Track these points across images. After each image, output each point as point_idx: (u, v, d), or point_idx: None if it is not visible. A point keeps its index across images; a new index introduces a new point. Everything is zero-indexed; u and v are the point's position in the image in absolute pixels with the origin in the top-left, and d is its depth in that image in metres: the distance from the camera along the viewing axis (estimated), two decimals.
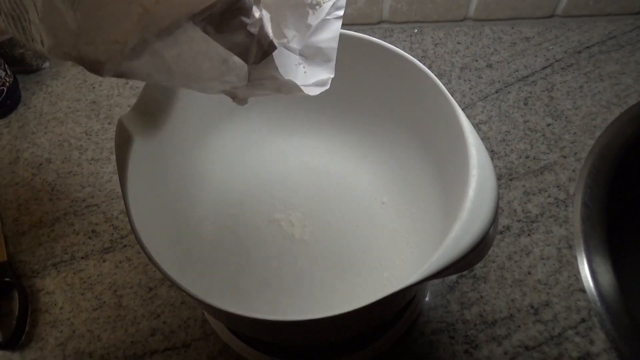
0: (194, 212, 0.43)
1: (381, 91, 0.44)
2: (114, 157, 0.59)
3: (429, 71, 0.37)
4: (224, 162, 0.46)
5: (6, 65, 0.62)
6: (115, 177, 0.57)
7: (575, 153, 0.56)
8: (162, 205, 0.39)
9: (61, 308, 0.48)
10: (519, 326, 0.45)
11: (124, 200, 0.33)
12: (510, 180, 0.54)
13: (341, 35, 0.41)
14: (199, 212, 0.43)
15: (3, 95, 0.61)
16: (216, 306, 0.28)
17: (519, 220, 0.51)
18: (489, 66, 0.65)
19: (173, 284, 0.30)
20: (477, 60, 0.65)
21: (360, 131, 0.48)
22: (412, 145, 0.44)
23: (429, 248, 0.40)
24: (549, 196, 0.53)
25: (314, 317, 0.26)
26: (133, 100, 0.64)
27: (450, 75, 0.64)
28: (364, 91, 0.46)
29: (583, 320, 0.45)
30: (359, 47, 0.42)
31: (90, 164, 0.58)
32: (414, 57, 0.39)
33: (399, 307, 0.39)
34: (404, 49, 0.40)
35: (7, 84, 0.62)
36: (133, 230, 0.32)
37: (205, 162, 0.45)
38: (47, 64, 0.69)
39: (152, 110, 0.39)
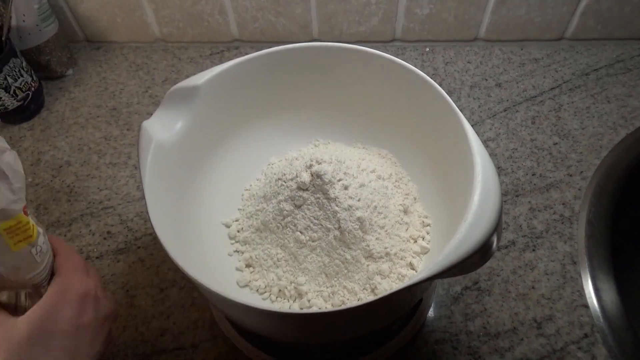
0: (208, 215, 0.44)
1: (391, 104, 0.46)
2: (131, 161, 0.61)
3: (435, 84, 0.39)
4: (239, 168, 0.48)
5: (32, 71, 0.65)
6: (132, 181, 0.59)
7: (581, 172, 0.57)
8: (179, 206, 0.40)
9: None
10: (522, 339, 0.46)
11: (146, 199, 0.35)
12: (517, 196, 0.55)
13: (355, 51, 0.44)
14: (214, 215, 0.45)
15: (28, 99, 0.64)
16: (228, 298, 0.29)
17: (524, 236, 0.52)
18: (498, 85, 0.66)
19: (194, 282, 0.31)
20: (486, 79, 0.67)
21: (369, 140, 0.49)
22: (420, 155, 0.46)
23: (435, 253, 0.41)
24: (554, 213, 0.54)
25: (319, 312, 0.28)
26: (152, 108, 0.66)
27: (460, 93, 0.65)
28: (375, 104, 0.47)
29: (586, 336, 0.46)
30: (372, 63, 0.44)
31: (108, 167, 0.60)
32: (425, 74, 0.41)
33: (408, 306, 0.40)
34: (415, 67, 0.42)
35: (33, 88, 0.64)
36: (153, 227, 0.33)
37: (222, 167, 0.47)
38: (70, 71, 0.72)
39: (172, 117, 0.41)
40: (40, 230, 0.31)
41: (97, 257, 0.52)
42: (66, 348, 0.29)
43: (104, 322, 0.32)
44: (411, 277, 0.40)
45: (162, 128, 0.40)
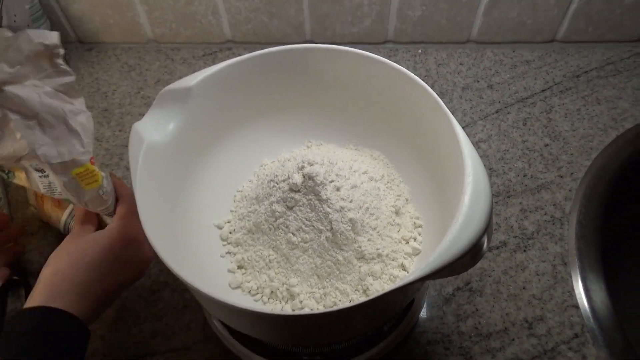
0: (200, 216, 0.44)
1: (384, 106, 0.46)
2: (123, 162, 0.61)
3: (427, 86, 0.39)
4: (231, 169, 0.48)
5: None
6: (124, 183, 0.58)
7: (572, 173, 0.57)
8: (170, 207, 0.40)
9: None
10: (513, 339, 0.46)
11: (137, 201, 0.34)
12: (508, 197, 0.56)
13: (347, 53, 0.44)
14: (206, 216, 0.45)
15: None
16: (218, 299, 0.29)
17: (515, 237, 0.53)
18: (490, 87, 0.67)
19: (186, 284, 0.31)
20: (478, 81, 0.67)
21: (362, 142, 0.49)
22: (412, 156, 0.46)
23: (427, 254, 0.41)
24: (545, 214, 0.54)
25: (311, 313, 0.28)
26: (144, 109, 0.66)
27: (452, 95, 0.66)
28: (368, 105, 0.47)
29: (576, 336, 0.46)
30: (364, 65, 0.44)
31: (100, 169, 0.60)
32: (417, 75, 0.41)
33: (399, 307, 0.40)
34: (407, 68, 0.42)
35: None
36: (144, 229, 0.33)
37: (214, 168, 0.46)
38: None
39: (164, 119, 0.41)
40: (104, 174, 0.41)
41: None
42: (106, 268, 0.39)
43: (142, 263, 0.42)
44: (403, 278, 0.40)
45: (153, 129, 0.40)
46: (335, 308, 0.28)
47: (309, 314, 0.27)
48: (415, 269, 0.40)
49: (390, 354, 0.45)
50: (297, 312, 0.29)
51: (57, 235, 0.54)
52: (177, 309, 0.49)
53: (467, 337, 0.46)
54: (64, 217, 0.51)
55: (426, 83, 0.41)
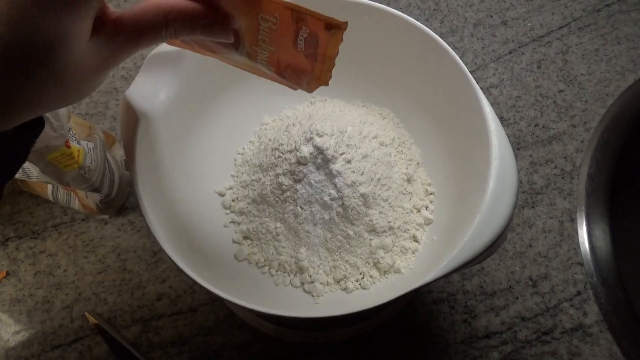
0: (200, 184, 0.41)
1: (393, 59, 0.42)
2: (109, 112, 0.56)
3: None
4: (230, 130, 0.44)
5: None
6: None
7: (585, 122, 0.55)
8: (168, 178, 0.38)
9: (65, 271, 0.48)
10: (517, 297, 0.47)
11: (134, 177, 0.32)
12: (518, 149, 0.53)
13: (356, 4, 0.39)
14: (206, 183, 0.42)
15: None
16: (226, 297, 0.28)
17: (523, 192, 0.51)
18: (504, 23, 0.61)
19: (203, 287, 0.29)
20: (491, 16, 0.62)
21: (370, 98, 0.46)
22: (423, 115, 0.43)
23: (439, 223, 0.40)
24: (555, 167, 0.52)
25: (342, 313, 0.27)
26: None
27: (463, 33, 0.61)
28: (375, 58, 0.43)
29: (579, 293, 0.47)
30: (372, 16, 0.39)
31: (85, 119, 0.56)
32: (425, 9, 0.37)
33: (411, 294, 0.40)
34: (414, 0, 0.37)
35: None
36: (143, 213, 0.31)
37: (211, 130, 0.43)
38: None
39: (155, 83, 0.36)
40: (87, 147, 0.39)
41: (82, 220, 0.50)
42: None
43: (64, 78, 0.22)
44: (414, 249, 0.39)
45: (145, 96, 0.36)
46: (359, 308, 0.27)
47: (332, 315, 0.26)
48: (427, 240, 0.39)
49: (396, 314, 0.45)
50: (310, 315, 0.28)
51: None
52: (179, 270, 0.48)
53: (472, 296, 0.47)
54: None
55: (435, 18, 0.36)
